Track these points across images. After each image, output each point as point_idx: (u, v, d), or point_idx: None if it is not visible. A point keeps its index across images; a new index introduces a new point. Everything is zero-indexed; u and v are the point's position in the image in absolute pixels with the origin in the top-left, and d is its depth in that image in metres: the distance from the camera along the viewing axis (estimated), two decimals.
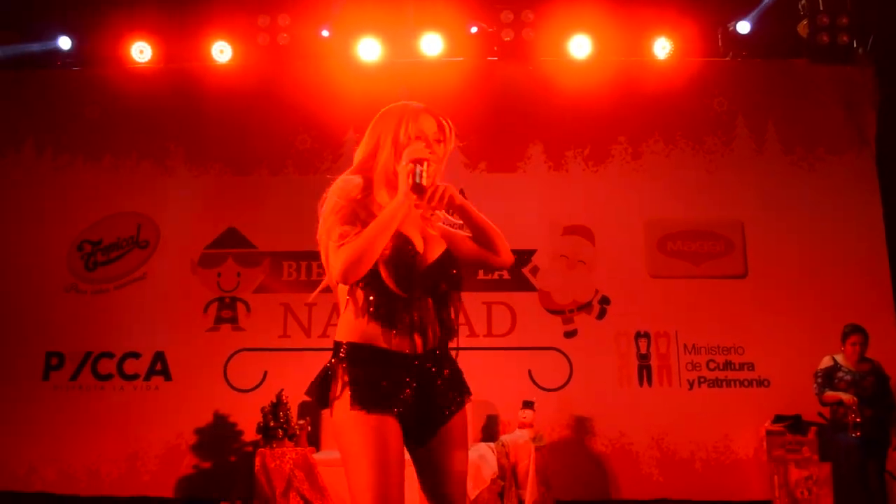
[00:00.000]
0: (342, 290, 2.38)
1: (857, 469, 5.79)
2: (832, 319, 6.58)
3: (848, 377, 5.95)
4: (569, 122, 7.79)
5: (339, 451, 2.30)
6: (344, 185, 2.40)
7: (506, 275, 7.45)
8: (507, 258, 2.65)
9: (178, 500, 6.96)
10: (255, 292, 7.47)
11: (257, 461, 6.27)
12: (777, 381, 7.12)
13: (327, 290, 2.47)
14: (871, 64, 7.80)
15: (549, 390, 7.16)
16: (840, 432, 5.92)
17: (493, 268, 2.60)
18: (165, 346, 7.36)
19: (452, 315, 2.46)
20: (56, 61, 8.08)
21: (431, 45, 7.76)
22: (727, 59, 7.94)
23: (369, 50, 7.76)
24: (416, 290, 2.35)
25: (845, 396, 5.86)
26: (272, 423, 6.37)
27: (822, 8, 7.66)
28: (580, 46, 7.78)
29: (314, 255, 2.45)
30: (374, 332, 2.32)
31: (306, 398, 2.50)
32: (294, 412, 6.56)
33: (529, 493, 6.14)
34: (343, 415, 2.27)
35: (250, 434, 6.83)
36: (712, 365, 7.21)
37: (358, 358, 2.30)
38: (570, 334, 7.33)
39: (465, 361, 7.12)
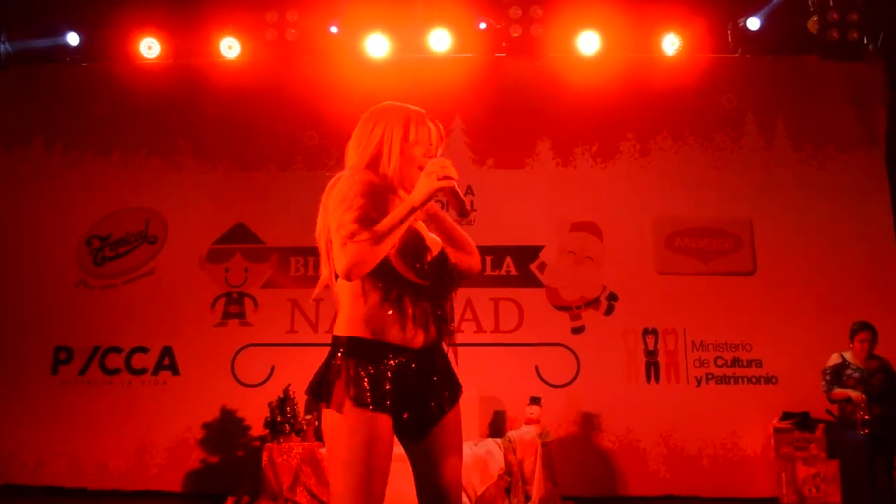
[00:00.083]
0: (343, 283, 2.37)
1: (865, 466, 5.75)
2: (840, 316, 6.54)
3: (856, 374, 5.92)
4: (577, 118, 7.78)
5: (327, 445, 2.30)
6: (356, 181, 2.39)
7: (513, 270, 7.45)
8: (478, 260, 2.68)
9: (186, 495, 6.98)
10: (263, 287, 7.48)
11: (265, 456, 6.29)
12: (785, 378, 7.11)
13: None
14: (882, 60, 7.78)
15: (556, 386, 7.15)
16: (848, 430, 5.88)
17: (466, 272, 2.59)
18: (173, 341, 7.38)
19: (450, 309, 2.49)
20: (65, 57, 8.10)
21: (439, 41, 7.76)
22: (736, 55, 7.91)
23: (377, 46, 7.76)
24: (427, 281, 2.38)
25: (854, 394, 5.83)
26: (279, 418, 6.39)
27: (832, 4, 7.65)
28: (589, 43, 7.76)
29: None
30: (377, 326, 2.33)
31: None
32: (301, 407, 6.58)
33: (536, 489, 6.13)
34: (337, 410, 2.27)
35: (258, 429, 6.85)
36: (720, 362, 7.19)
37: (357, 353, 2.31)
38: (577, 330, 7.33)
39: (473, 357, 7.20)
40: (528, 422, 6.51)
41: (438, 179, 2.36)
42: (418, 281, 2.35)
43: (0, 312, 7.47)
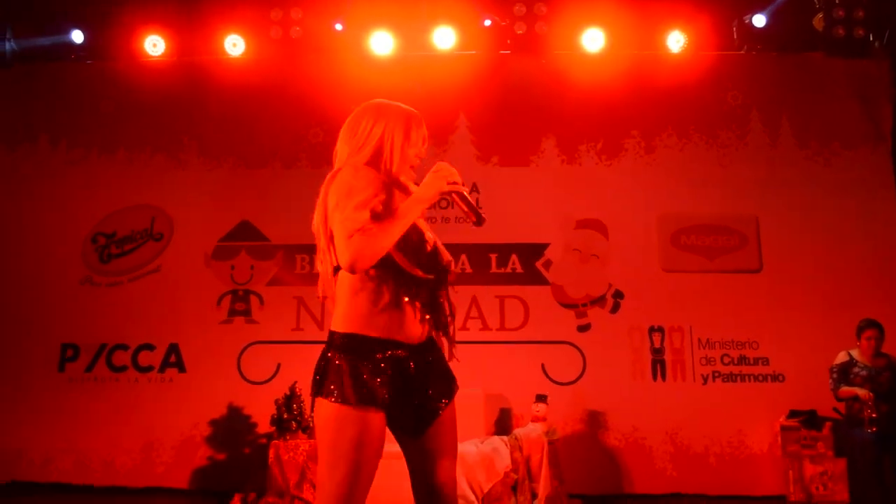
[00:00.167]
0: (342, 279, 2.39)
1: (872, 465, 5.77)
2: (847, 314, 6.55)
3: (864, 372, 5.93)
4: (582, 115, 7.77)
5: (318, 437, 2.31)
6: (362, 175, 2.42)
7: (519, 268, 7.45)
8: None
9: (193, 492, 6.98)
10: (269, 285, 7.48)
11: (271, 453, 6.29)
12: (792, 376, 7.10)
13: None
14: (888, 57, 7.76)
15: (562, 384, 7.15)
16: (855, 428, 5.90)
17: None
18: (179, 339, 7.39)
19: (447, 304, 2.54)
20: (70, 55, 8.09)
21: (444, 38, 7.75)
22: (741, 52, 7.89)
23: (382, 43, 7.76)
24: (431, 274, 2.42)
25: (861, 392, 5.84)
26: (286, 415, 6.40)
27: (837, 1, 7.61)
28: (593, 40, 7.75)
29: None
30: (374, 323, 2.35)
31: None
32: (308, 404, 6.57)
33: (542, 487, 6.13)
34: (329, 405, 2.29)
35: (264, 426, 6.85)
36: (727, 360, 7.19)
37: (352, 349, 2.32)
38: (583, 328, 7.32)
39: (479, 355, 7.22)
40: (535, 419, 6.51)
41: (448, 183, 2.44)
42: (421, 275, 2.38)
43: (7, 310, 7.48)
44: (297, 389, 6.47)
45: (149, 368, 7.34)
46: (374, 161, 2.49)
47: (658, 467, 6.98)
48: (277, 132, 7.76)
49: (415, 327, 2.40)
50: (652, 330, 7.28)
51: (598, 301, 7.39)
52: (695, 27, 7.75)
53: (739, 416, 7.03)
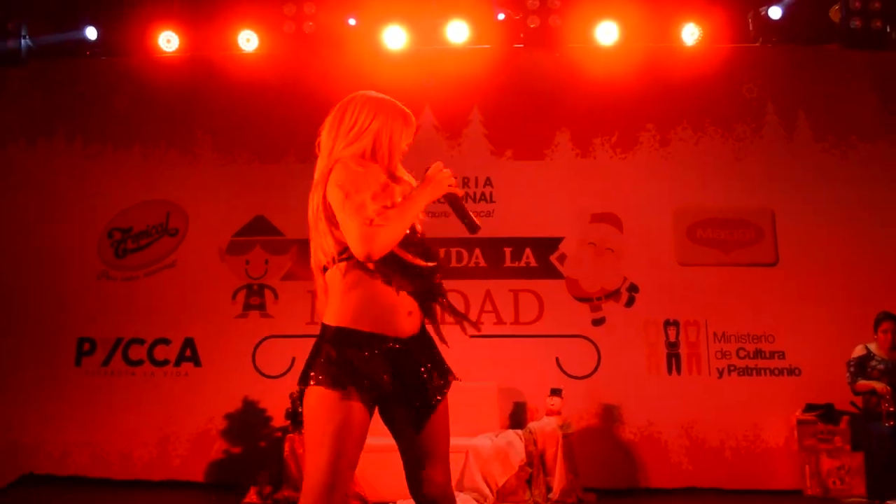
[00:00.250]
0: (335, 272, 2.41)
1: (890, 459, 5.74)
2: (864, 307, 6.53)
3: (881, 366, 5.90)
4: (596, 109, 7.74)
5: (305, 425, 2.36)
6: (369, 167, 2.46)
7: (533, 262, 7.44)
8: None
9: (209, 485, 7.02)
10: (283, 279, 7.50)
11: (286, 446, 6.32)
12: (808, 369, 7.05)
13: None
14: None
15: (576, 378, 7.14)
16: (873, 421, 5.87)
17: None
18: (195, 333, 7.42)
19: (440, 295, 2.54)
20: (85, 51, 8.14)
21: (457, 32, 7.74)
22: (757, 44, 7.84)
23: (395, 38, 7.75)
24: (433, 262, 2.45)
25: (878, 385, 5.81)
26: (301, 409, 6.40)
27: None
28: (607, 33, 7.72)
29: None
30: (368, 316, 2.37)
31: None
32: None
33: (557, 481, 6.13)
34: (317, 395, 2.31)
35: (279, 420, 6.88)
36: (742, 353, 7.15)
37: (343, 342, 2.34)
38: (598, 322, 7.31)
39: (493, 349, 7.21)
40: (549, 413, 6.50)
41: (449, 185, 2.50)
42: (423, 264, 2.41)
43: (24, 305, 7.53)
44: None
45: (164, 362, 7.38)
46: (370, 154, 2.50)
47: (673, 461, 6.96)
48: (291, 127, 7.77)
49: (406, 321, 2.41)
50: (667, 324, 7.25)
51: (613, 295, 7.37)
52: (709, 19, 7.70)
53: (755, 409, 6.99)
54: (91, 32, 7.98)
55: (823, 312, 7.12)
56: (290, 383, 6.74)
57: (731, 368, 7.12)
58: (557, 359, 7.21)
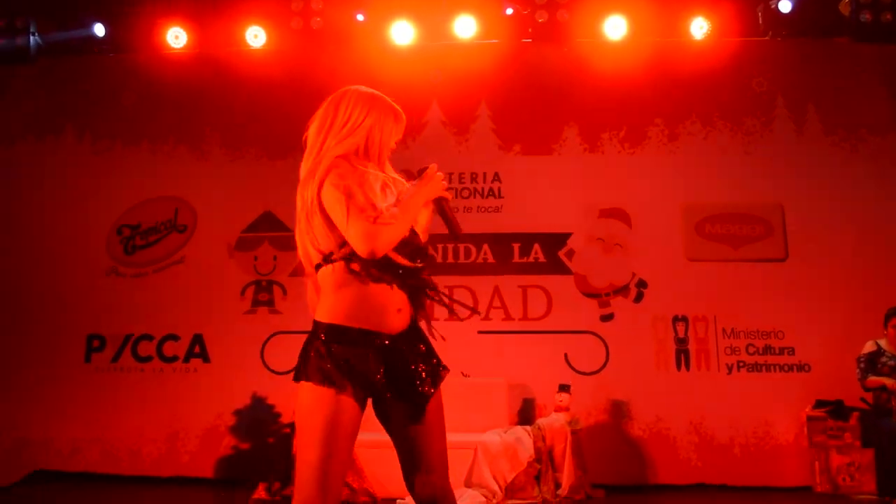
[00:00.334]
0: (326, 271, 2.42)
1: None
2: (874, 303, 6.48)
3: (892, 362, 5.87)
4: (604, 103, 7.72)
5: (296, 420, 2.37)
6: (366, 165, 2.48)
7: (541, 258, 7.43)
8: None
9: (217, 481, 7.04)
10: (292, 276, 7.50)
11: (295, 442, 6.32)
12: (818, 365, 7.02)
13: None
14: None
15: (585, 374, 7.13)
16: (883, 418, 5.84)
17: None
18: (203, 329, 7.44)
19: (431, 289, 2.57)
20: (93, 48, 8.16)
21: (465, 27, 7.73)
22: (766, 38, 7.79)
23: (403, 33, 7.74)
24: (422, 262, 2.47)
25: (889, 381, 5.78)
26: None
27: None
28: (615, 27, 7.70)
29: None
30: (360, 313, 2.38)
31: None
32: None
33: (566, 477, 6.12)
34: (309, 390, 2.33)
35: (288, 416, 6.92)
36: (752, 349, 7.12)
37: (335, 339, 2.36)
38: (606, 318, 7.29)
39: (501, 345, 7.20)
40: (558, 409, 6.50)
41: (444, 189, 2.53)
42: (409, 265, 2.41)
43: (33, 301, 7.56)
44: None
45: (174, 359, 7.40)
46: (363, 151, 2.50)
47: (682, 458, 6.94)
48: (299, 123, 7.61)
49: (396, 317, 2.43)
50: (676, 319, 7.22)
51: (622, 290, 7.35)
52: (718, 13, 7.67)
53: (765, 406, 6.97)
54: (99, 29, 8.01)
55: (833, 308, 7.08)
56: None
57: (741, 364, 7.10)
58: (566, 355, 7.20)
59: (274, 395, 7.18)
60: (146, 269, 7.63)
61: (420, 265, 2.45)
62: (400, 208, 2.37)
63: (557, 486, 6.13)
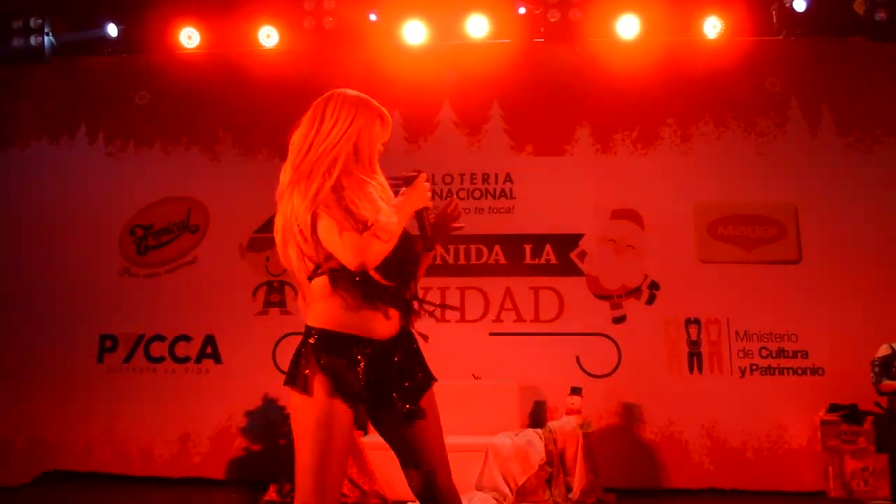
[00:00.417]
0: (316, 282, 2.43)
1: None
2: (889, 306, 6.45)
3: None
4: (617, 104, 7.68)
5: (292, 425, 2.42)
6: (354, 176, 2.49)
7: (553, 259, 7.40)
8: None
9: (229, 482, 7.06)
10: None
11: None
12: (832, 369, 6.97)
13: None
14: None
15: (597, 377, 7.10)
16: None
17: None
18: (215, 330, 7.46)
19: (418, 293, 2.60)
20: (106, 49, 8.19)
21: (477, 27, 7.71)
22: (780, 37, 7.73)
23: (415, 33, 7.73)
24: (391, 277, 2.45)
25: None
26: None
27: None
28: (628, 26, 7.66)
29: None
30: (349, 321, 2.41)
31: None
32: None
33: (577, 480, 6.10)
34: (301, 396, 2.37)
35: None
36: (765, 352, 7.07)
37: (327, 345, 2.39)
38: (618, 320, 7.26)
39: (513, 347, 7.18)
40: (569, 412, 6.48)
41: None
42: (384, 283, 2.42)
43: (47, 302, 7.60)
44: None
45: (185, 359, 7.42)
46: (352, 155, 2.50)
47: (694, 461, 6.91)
48: None
49: (385, 324, 2.46)
50: (688, 322, 7.18)
51: (634, 292, 7.31)
52: (731, 12, 7.62)
53: (778, 409, 6.92)
54: (112, 30, 8.02)
55: (847, 311, 7.02)
56: None
57: (754, 368, 7.05)
58: (578, 357, 7.18)
59: (285, 396, 7.09)
60: (158, 270, 7.65)
61: (388, 284, 2.43)
62: (388, 218, 2.38)
63: (568, 489, 6.11)
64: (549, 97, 7.74)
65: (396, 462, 2.58)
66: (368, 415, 2.50)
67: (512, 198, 7.57)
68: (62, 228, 7.78)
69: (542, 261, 7.42)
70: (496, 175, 7.65)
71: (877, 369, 5.92)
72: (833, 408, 6.63)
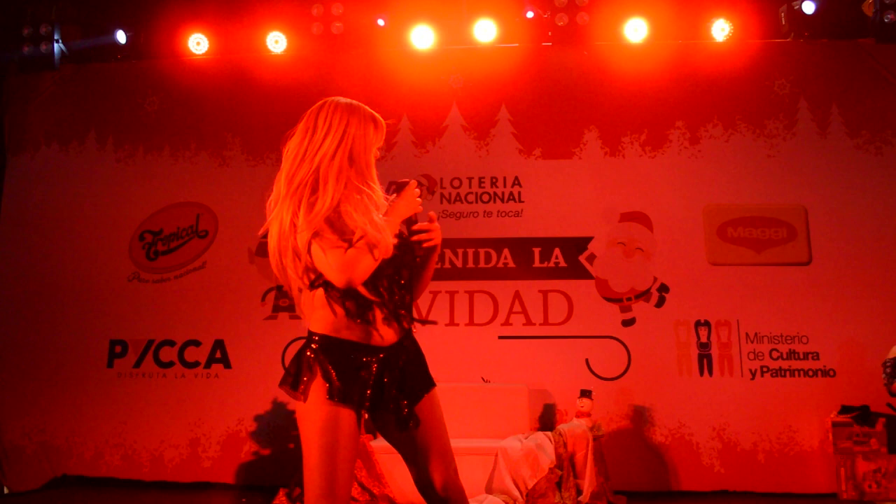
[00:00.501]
0: (309, 296, 2.50)
1: None
2: None
3: None
4: (625, 107, 7.67)
5: (299, 430, 2.44)
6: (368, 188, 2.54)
7: (562, 262, 7.39)
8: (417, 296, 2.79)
9: (238, 487, 7.06)
10: None
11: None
12: (843, 370, 6.92)
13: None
14: None
15: (606, 379, 7.08)
16: None
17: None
18: (225, 335, 7.47)
19: (414, 299, 2.63)
20: (116, 55, 8.24)
21: (485, 31, 7.73)
22: (788, 39, 7.72)
23: (423, 38, 7.74)
24: (382, 287, 2.49)
25: None
26: None
27: None
28: (636, 30, 7.66)
29: None
30: (349, 327, 2.45)
31: None
32: None
33: (588, 483, 6.08)
34: (305, 401, 2.41)
35: None
36: (775, 354, 7.04)
37: (328, 350, 2.42)
38: (627, 323, 7.24)
39: (522, 350, 7.17)
40: (579, 415, 6.46)
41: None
42: (369, 297, 2.46)
43: (57, 307, 7.63)
44: None
45: (195, 364, 7.43)
46: (347, 162, 2.51)
47: (705, 464, 6.87)
48: None
49: (386, 331, 2.49)
50: (698, 324, 7.16)
51: (643, 295, 7.29)
52: (739, 15, 7.61)
53: (789, 411, 6.88)
54: (121, 36, 8.08)
55: (858, 312, 6.98)
56: None
57: (764, 370, 7.02)
58: (587, 360, 7.16)
59: (295, 401, 7.16)
60: (168, 275, 7.67)
61: (372, 299, 2.47)
62: (376, 232, 2.39)
63: (579, 492, 6.09)
64: (557, 100, 7.74)
65: (405, 466, 2.61)
66: (371, 419, 2.54)
67: (520, 201, 7.57)
68: (72, 234, 7.82)
69: (551, 264, 7.41)
70: (504, 178, 7.65)
71: (889, 370, 5.89)
72: (845, 409, 6.59)
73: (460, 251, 7.44)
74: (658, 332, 7.17)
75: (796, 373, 6.99)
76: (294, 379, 2.45)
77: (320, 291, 2.46)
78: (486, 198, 7.59)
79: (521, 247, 7.45)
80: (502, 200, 7.57)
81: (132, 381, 7.42)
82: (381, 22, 7.88)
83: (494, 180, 7.64)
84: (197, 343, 7.47)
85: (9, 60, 8.14)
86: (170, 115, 8.04)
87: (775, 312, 7.11)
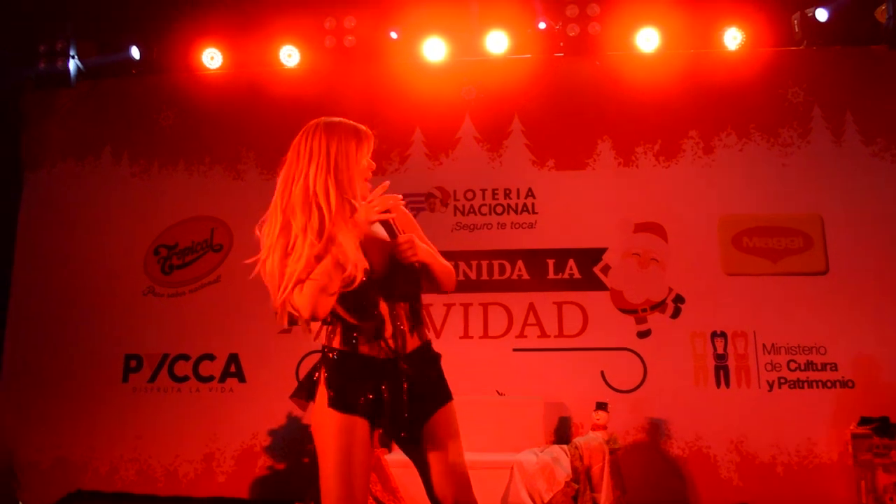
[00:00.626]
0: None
1: None
2: None
3: None
4: (638, 117, 7.64)
5: (314, 440, 2.51)
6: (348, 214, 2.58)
7: (576, 273, 7.36)
8: (449, 290, 2.81)
9: (253, 501, 7.06)
10: None
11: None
12: (862, 381, 6.85)
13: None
14: None
15: (622, 392, 7.03)
16: None
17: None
18: (239, 349, 7.47)
19: (420, 313, 2.66)
20: (130, 70, 8.31)
21: (497, 43, 7.74)
22: (801, 47, 7.68)
23: (435, 50, 7.76)
24: (375, 309, 2.53)
25: None
26: None
27: None
28: (648, 39, 7.65)
29: None
30: (356, 342, 2.52)
31: None
32: None
33: (605, 497, 6.03)
34: (319, 413, 2.47)
35: None
36: (793, 365, 6.97)
37: (339, 363, 2.50)
38: (643, 334, 7.19)
39: (537, 362, 7.13)
40: (595, 428, 6.42)
41: (378, 212, 2.56)
42: (356, 322, 2.53)
43: (73, 321, 7.67)
44: None
45: (210, 378, 7.44)
46: (334, 183, 2.54)
47: (723, 477, 6.81)
48: None
49: (395, 344, 2.54)
50: (714, 335, 7.10)
51: (659, 306, 7.25)
52: (752, 23, 7.58)
53: (808, 423, 6.81)
54: (136, 52, 8.14)
55: (877, 322, 6.91)
56: None
57: (782, 381, 6.95)
58: (602, 372, 7.12)
59: (309, 415, 7.16)
60: (183, 289, 7.70)
61: (366, 325, 2.52)
62: (327, 261, 2.46)
63: None
64: (570, 111, 7.73)
65: (420, 480, 2.60)
66: (385, 433, 2.55)
67: (534, 213, 7.55)
68: (88, 248, 7.86)
69: (566, 275, 7.38)
70: (518, 190, 7.63)
71: None
72: (864, 421, 6.51)
73: (474, 263, 7.43)
74: (674, 344, 7.12)
75: (814, 384, 6.92)
76: (305, 389, 2.55)
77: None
78: (499, 209, 7.58)
79: (535, 258, 7.43)
80: (516, 212, 7.56)
81: (147, 396, 7.44)
82: (393, 35, 7.91)
83: (508, 192, 7.62)
84: (211, 357, 7.48)
85: (25, 77, 8.21)
86: (184, 129, 8.09)
87: (792, 323, 7.04)
